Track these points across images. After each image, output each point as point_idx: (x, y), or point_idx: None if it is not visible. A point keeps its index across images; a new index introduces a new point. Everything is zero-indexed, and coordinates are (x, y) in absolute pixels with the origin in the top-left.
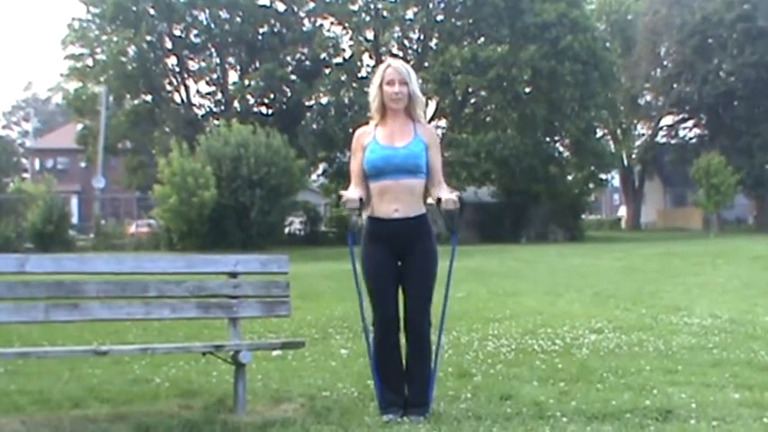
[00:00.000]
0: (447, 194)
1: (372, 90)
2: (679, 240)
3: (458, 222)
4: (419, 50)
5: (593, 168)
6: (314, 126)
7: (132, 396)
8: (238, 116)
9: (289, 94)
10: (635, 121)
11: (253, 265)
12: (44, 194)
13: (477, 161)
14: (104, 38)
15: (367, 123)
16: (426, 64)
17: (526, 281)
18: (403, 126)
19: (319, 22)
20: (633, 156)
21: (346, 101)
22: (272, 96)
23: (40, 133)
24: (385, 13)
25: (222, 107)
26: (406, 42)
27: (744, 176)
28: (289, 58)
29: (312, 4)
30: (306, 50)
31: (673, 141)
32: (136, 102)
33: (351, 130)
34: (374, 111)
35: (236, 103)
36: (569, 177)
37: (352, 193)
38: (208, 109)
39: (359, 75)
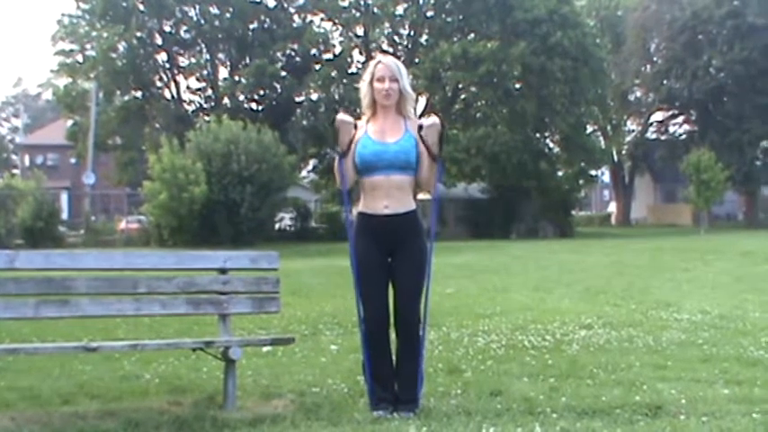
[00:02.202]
0: (427, 120)
1: (363, 87)
2: (669, 236)
3: (443, 147)
4: (409, 46)
5: (583, 164)
6: (304, 122)
7: (122, 392)
8: (228, 112)
9: (279, 91)
10: (625, 117)
11: (243, 262)
12: (34, 191)
13: (467, 157)
14: (94, 34)
15: (359, 119)
16: (416, 60)
17: (516, 277)
18: (394, 122)
19: (309, 18)
20: (623, 152)
21: (336, 97)
22: (262, 92)
23: (29, 129)
24: (375, 9)
25: (212, 103)
26: (396, 38)
27: (733, 172)
28: (279, 54)
29: (302, 0)
30: (296, 46)
31: (663, 137)
32: (126, 98)
33: None
34: (365, 107)
35: (226, 100)
36: (559, 173)
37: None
38: (198, 105)
39: (349, 71)
